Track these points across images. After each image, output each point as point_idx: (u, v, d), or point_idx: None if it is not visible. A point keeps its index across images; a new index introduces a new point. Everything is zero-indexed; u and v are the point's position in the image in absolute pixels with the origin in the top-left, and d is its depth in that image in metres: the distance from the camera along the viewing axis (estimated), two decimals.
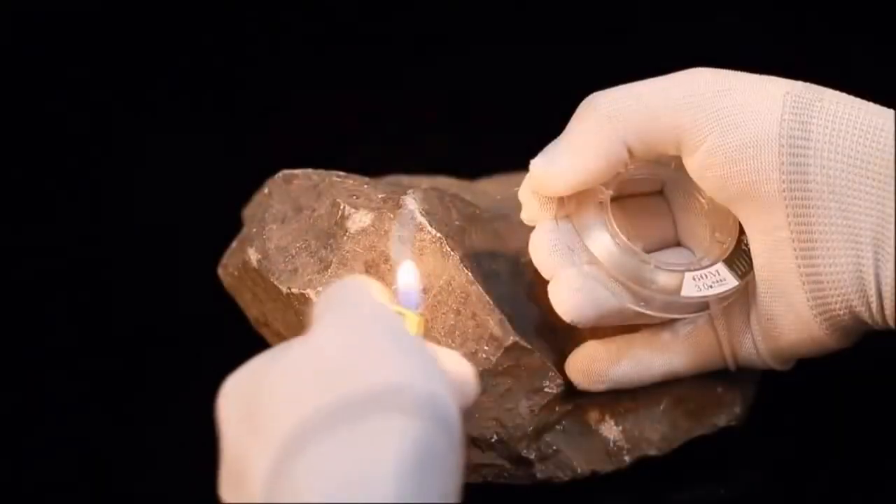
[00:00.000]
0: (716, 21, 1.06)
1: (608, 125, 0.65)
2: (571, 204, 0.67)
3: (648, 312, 0.67)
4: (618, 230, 0.67)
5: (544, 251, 0.67)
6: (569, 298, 0.66)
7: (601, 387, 0.70)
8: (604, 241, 0.67)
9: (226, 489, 0.56)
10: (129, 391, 0.81)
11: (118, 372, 0.82)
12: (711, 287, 0.67)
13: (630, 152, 0.66)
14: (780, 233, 0.65)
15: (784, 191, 0.64)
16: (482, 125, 1.00)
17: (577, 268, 0.66)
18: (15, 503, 0.74)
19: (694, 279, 0.67)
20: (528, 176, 0.67)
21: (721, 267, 0.67)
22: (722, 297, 0.67)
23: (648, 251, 0.70)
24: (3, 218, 0.95)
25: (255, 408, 0.54)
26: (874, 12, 1.04)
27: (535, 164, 0.66)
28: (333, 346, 0.55)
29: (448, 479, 0.53)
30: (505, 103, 1.02)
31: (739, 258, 0.67)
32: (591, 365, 0.69)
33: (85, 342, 0.84)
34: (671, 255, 0.70)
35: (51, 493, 0.75)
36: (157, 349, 0.84)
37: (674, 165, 0.68)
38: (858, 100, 0.65)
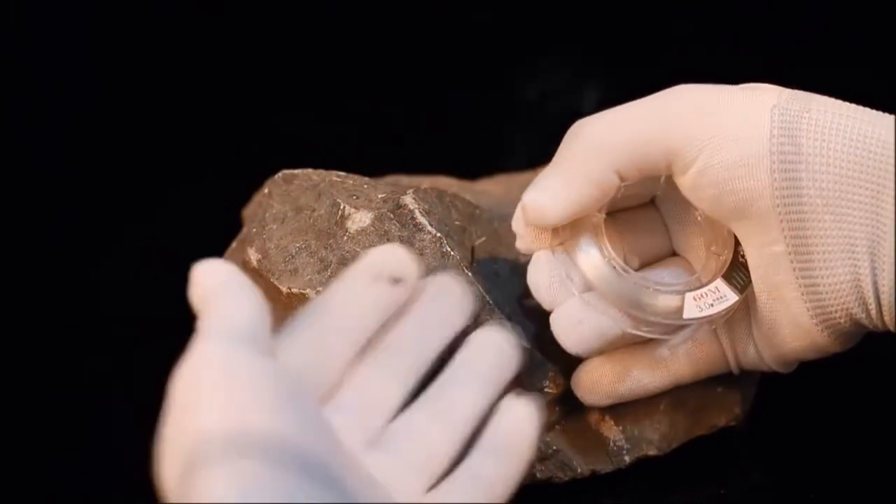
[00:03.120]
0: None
1: (597, 155, 0.65)
2: (566, 231, 0.67)
3: (651, 336, 0.67)
4: (614, 254, 0.67)
5: (543, 284, 0.67)
6: (571, 332, 0.67)
7: (608, 402, 0.70)
8: (600, 266, 0.66)
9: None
10: (129, 392, 0.80)
11: (117, 372, 0.82)
12: (712, 305, 0.67)
13: (621, 178, 0.65)
14: (777, 247, 0.65)
15: (778, 206, 0.64)
16: (483, 125, 1.00)
17: (576, 298, 0.67)
18: (14, 502, 0.75)
19: (694, 299, 0.67)
20: (519, 207, 0.67)
21: (720, 283, 0.67)
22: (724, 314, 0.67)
23: (645, 264, 0.70)
24: (3, 219, 0.95)
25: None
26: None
27: (527, 196, 0.66)
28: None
29: None
30: (505, 103, 1.02)
31: (737, 271, 0.67)
32: (597, 382, 0.69)
33: (84, 342, 0.84)
34: (668, 271, 0.70)
35: (49, 493, 0.75)
36: (157, 349, 0.83)
37: (663, 181, 0.68)
38: (846, 105, 0.65)
